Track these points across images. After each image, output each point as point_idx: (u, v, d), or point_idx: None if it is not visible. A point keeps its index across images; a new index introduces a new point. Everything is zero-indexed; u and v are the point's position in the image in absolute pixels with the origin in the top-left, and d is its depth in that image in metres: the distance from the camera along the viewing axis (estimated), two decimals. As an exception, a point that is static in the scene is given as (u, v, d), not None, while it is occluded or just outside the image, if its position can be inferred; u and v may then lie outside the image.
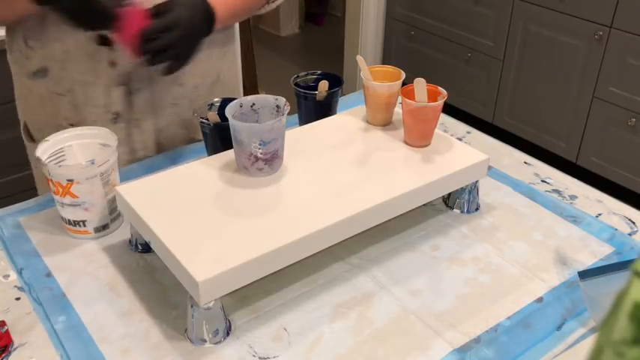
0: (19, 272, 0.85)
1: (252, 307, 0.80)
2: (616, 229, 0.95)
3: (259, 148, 0.85)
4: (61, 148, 0.92)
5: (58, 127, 1.04)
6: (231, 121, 0.84)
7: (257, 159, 0.86)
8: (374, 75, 1.00)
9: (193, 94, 1.12)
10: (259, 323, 0.78)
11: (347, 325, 0.77)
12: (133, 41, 0.87)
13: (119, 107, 1.06)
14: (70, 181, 0.85)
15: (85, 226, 0.89)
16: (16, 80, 1.12)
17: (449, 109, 1.07)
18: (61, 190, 0.86)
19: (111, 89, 1.04)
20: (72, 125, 1.05)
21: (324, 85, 1.08)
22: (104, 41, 0.99)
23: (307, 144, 0.96)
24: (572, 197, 1.02)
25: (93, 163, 0.85)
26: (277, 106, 0.89)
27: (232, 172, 0.89)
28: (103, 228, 0.91)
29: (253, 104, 0.90)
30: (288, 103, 0.88)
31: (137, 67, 1.02)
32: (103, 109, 1.06)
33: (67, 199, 0.87)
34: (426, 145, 0.96)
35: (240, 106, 0.89)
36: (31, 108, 1.11)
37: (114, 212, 0.91)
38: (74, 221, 0.89)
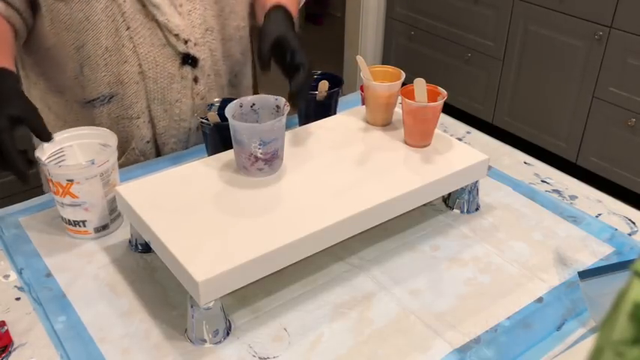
0: (19, 272, 0.85)
1: (252, 307, 0.80)
2: (616, 229, 0.95)
3: (259, 148, 0.85)
4: (61, 148, 0.92)
5: (124, 151, 1.09)
6: (231, 121, 0.84)
7: (257, 159, 0.86)
8: (374, 75, 1.00)
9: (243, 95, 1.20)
10: (259, 323, 0.78)
11: (347, 325, 0.77)
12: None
13: (197, 121, 1.11)
14: (70, 181, 0.85)
15: (85, 226, 0.89)
16: (52, 112, 1.10)
17: (449, 109, 1.07)
18: (61, 190, 0.86)
19: (195, 104, 1.10)
20: (148, 143, 1.10)
21: (324, 85, 1.08)
22: (186, 60, 1.05)
23: (307, 144, 0.96)
24: (572, 197, 1.02)
25: (93, 163, 0.85)
26: (277, 106, 0.89)
27: (232, 172, 0.89)
28: (103, 228, 0.91)
29: (253, 104, 0.90)
30: (288, 103, 0.88)
31: (214, 80, 1.11)
32: (186, 122, 1.10)
33: (67, 200, 0.87)
34: (426, 145, 0.96)
35: (240, 107, 0.89)
36: None
37: (114, 212, 0.91)
38: (74, 221, 0.89)
